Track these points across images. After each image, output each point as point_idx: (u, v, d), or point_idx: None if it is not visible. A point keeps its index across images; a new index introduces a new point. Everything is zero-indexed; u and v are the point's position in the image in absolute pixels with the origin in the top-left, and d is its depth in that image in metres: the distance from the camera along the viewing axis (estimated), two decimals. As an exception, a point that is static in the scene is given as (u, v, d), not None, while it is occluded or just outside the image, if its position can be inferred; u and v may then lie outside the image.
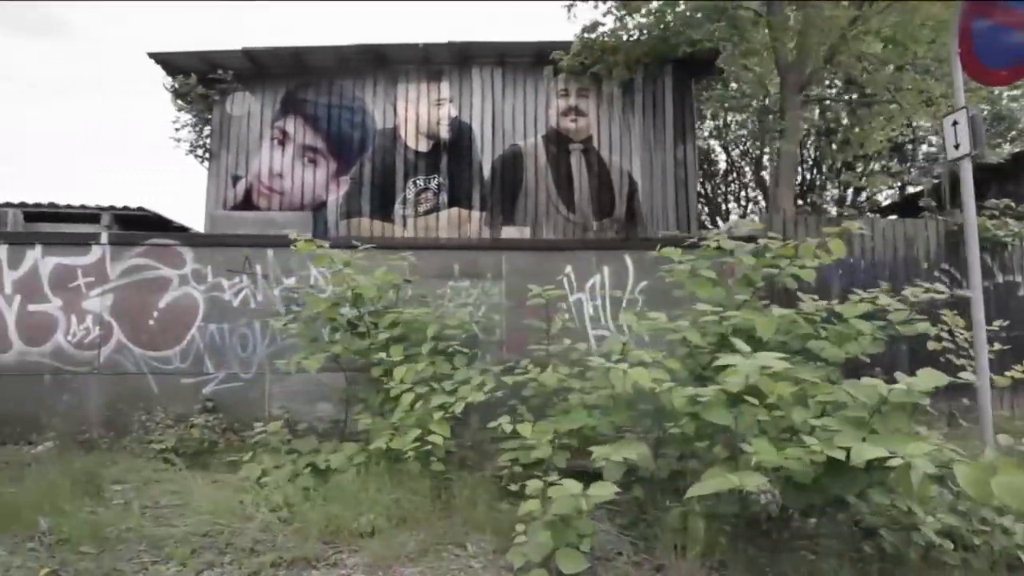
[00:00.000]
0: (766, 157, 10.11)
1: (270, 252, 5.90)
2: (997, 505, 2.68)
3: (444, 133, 7.43)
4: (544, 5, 29.38)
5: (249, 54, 6.89)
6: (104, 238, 5.74)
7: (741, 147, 10.16)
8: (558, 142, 7.49)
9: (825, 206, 11.04)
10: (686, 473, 3.29)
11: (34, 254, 5.70)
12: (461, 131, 7.44)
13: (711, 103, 8.85)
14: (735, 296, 3.56)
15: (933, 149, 12.11)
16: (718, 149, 10.86)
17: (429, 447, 3.65)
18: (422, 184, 7.33)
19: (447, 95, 7.49)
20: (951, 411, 5.18)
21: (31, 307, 5.67)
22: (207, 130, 7.46)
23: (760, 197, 11.16)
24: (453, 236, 7.12)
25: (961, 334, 4.62)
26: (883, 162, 12.25)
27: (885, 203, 12.56)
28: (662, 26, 5.63)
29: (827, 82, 7.83)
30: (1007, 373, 3.59)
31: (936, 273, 6.40)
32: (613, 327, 6.33)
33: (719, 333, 3.24)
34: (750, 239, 6.33)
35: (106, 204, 6.25)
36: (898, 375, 2.63)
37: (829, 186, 11.00)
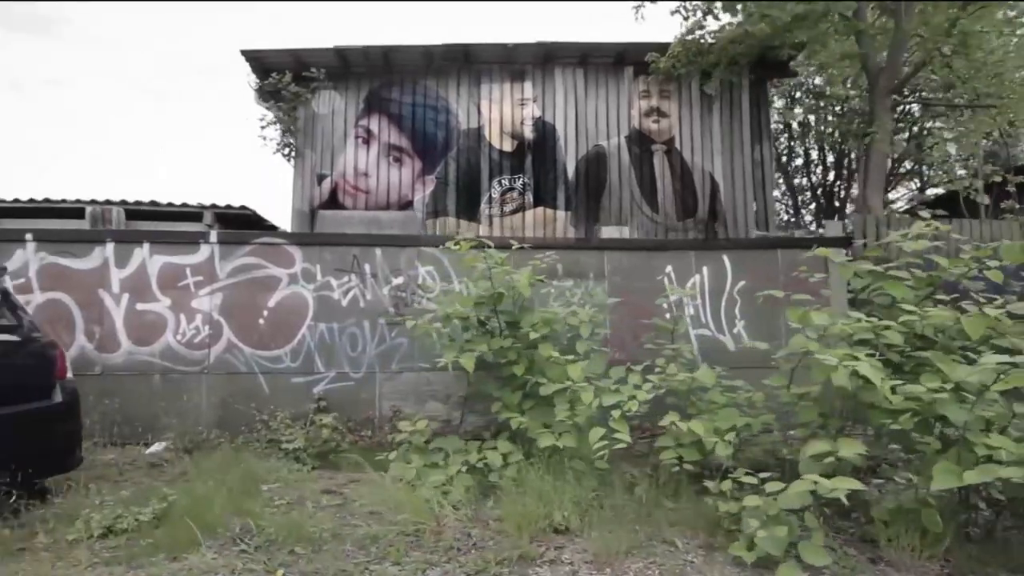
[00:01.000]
0: (842, 157, 10.26)
1: (378, 251, 5.89)
2: None
3: (528, 133, 7.45)
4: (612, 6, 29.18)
5: (340, 52, 6.86)
6: (213, 237, 5.69)
7: (809, 146, 10.26)
8: (641, 143, 7.55)
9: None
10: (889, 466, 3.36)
11: (142, 253, 5.63)
12: (545, 131, 7.47)
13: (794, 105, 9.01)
14: (916, 294, 3.62)
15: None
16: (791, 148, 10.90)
17: (615, 446, 3.67)
18: (507, 184, 7.35)
19: (530, 95, 7.51)
20: None
21: (139, 306, 5.61)
22: (273, 129, 7.41)
23: (833, 197, 11.23)
24: (539, 236, 7.14)
25: None
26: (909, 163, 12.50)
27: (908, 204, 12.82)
28: (760, 26, 5.70)
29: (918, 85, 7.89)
30: None
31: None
32: (714, 326, 6.43)
33: (916, 333, 3.31)
34: (844, 240, 6.47)
35: (203, 203, 6.20)
36: None
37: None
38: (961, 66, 6.78)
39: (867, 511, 3.31)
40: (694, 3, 7.61)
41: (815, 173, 10.60)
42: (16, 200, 6.00)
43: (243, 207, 6.08)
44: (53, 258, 5.56)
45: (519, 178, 7.36)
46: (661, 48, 7.37)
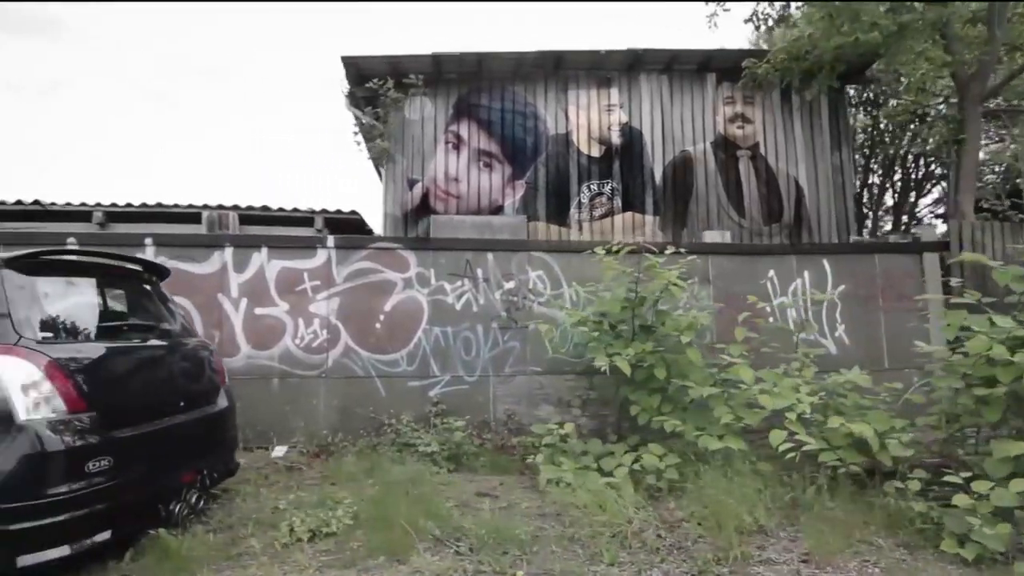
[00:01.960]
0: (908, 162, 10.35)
1: (490, 255, 5.94)
2: None
3: (615, 138, 7.52)
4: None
5: (435, 59, 6.93)
6: (330, 242, 5.73)
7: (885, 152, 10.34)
8: (726, 148, 7.63)
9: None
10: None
11: (260, 257, 5.67)
12: (632, 137, 7.54)
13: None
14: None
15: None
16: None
17: (804, 447, 3.71)
18: (596, 189, 7.41)
19: (616, 101, 7.58)
20: None
21: (258, 310, 5.64)
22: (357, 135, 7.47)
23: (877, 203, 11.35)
24: (628, 240, 7.19)
25: None
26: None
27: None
28: (874, 35, 5.79)
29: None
30: None
31: None
32: (816, 330, 6.49)
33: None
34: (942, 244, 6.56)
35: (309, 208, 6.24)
36: None
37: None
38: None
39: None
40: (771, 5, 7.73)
41: (872, 178, 10.73)
42: (128, 204, 6.02)
43: (353, 212, 6.13)
44: (173, 262, 5.54)
45: (607, 183, 7.43)
46: (746, 55, 7.47)
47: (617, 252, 4.83)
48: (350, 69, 6.89)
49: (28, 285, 2.89)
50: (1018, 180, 8.68)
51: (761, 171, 7.60)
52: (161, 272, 3.99)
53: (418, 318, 5.79)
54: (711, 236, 6.43)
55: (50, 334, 2.84)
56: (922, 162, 10.72)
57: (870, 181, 11.19)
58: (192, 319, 5.46)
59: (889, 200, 11.64)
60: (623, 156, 7.50)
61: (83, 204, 5.85)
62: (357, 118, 7.10)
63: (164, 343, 3.56)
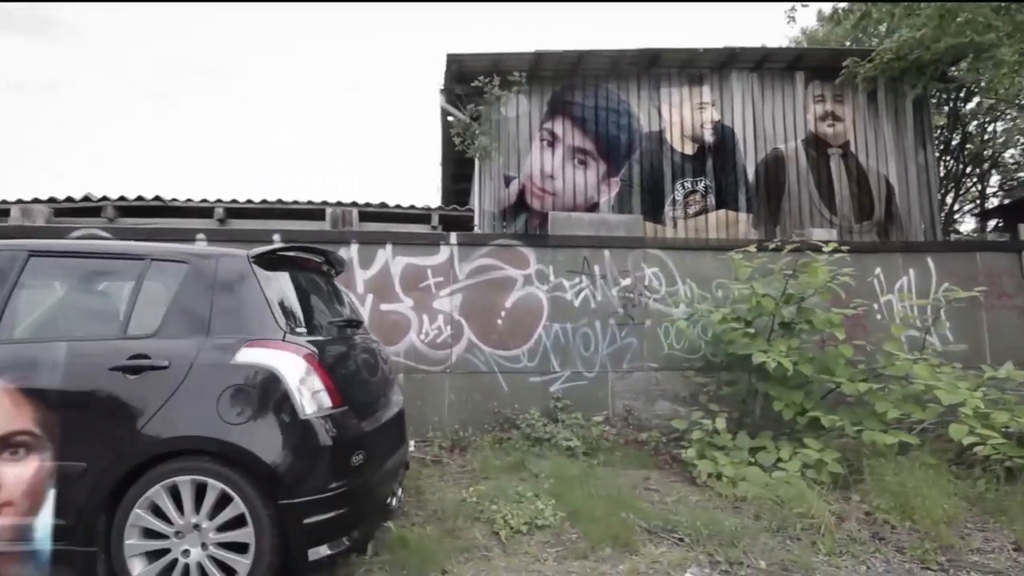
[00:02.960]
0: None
1: (607, 253, 5.99)
2: None
3: (708, 136, 7.56)
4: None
5: (538, 56, 6.95)
6: (453, 239, 5.77)
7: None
8: (817, 146, 7.68)
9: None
10: None
11: (385, 254, 5.71)
12: (724, 135, 7.58)
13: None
14: None
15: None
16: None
17: (988, 441, 3.77)
18: (690, 186, 7.46)
19: (708, 99, 7.62)
20: None
21: (383, 306, 5.68)
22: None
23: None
24: (722, 238, 7.25)
25: None
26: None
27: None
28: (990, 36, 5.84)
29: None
30: None
31: None
32: (922, 327, 6.55)
33: None
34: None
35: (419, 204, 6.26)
36: None
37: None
38: None
39: None
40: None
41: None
42: (249, 201, 6.05)
43: (468, 208, 6.17)
44: (299, 259, 5.60)
45: (701, 180, 7.47)
46: (837, 54, 7.54)
47: (778, 250, 4.85)
48: (452, 66, 6.91)
49: (274, 280, 2.94)
50: None
51: (852, 169, 7.65)
52: (339, 265, 4.01)
53: (538, 314, 5.84)
54: (819, 234, 6.47)
55: (302, 329, 2.89)
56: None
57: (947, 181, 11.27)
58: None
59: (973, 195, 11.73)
60: (716, 154, 7.54)
61: (204, 200, 5.87)
62: (448, 114, 7.12)
63: (364, 335, 3.60)
